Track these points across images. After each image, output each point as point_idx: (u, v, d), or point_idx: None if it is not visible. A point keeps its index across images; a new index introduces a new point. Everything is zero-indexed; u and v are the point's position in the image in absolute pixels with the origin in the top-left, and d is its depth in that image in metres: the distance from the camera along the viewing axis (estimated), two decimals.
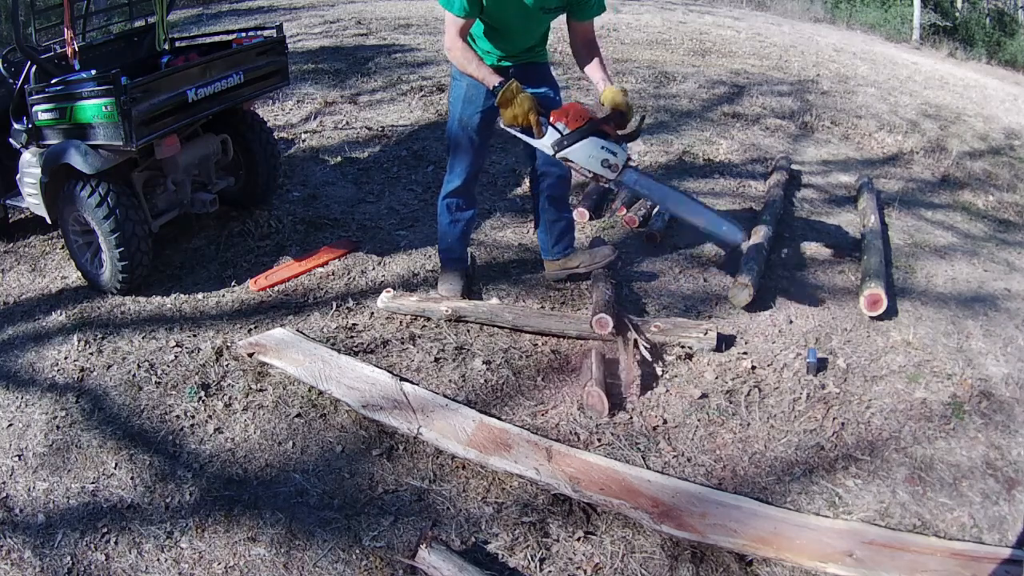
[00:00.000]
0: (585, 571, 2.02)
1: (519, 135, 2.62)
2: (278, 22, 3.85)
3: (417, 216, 4.05)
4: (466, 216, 3.17)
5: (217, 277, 3.46)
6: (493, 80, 2.54)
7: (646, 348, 2.71)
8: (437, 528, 2.14)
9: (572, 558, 2.05)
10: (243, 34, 3.72)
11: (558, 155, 2.55)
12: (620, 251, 3.61)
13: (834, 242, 3.77)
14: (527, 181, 3.35)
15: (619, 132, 2.58)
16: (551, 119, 2.53)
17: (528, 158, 3.02)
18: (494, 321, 3.00)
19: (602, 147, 2.50)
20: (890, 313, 3.15)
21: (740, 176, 4.66)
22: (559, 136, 2.50)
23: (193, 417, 2.59)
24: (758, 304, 3.16)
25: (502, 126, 2.65)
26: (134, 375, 2.81)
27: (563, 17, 2.77)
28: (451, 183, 3.06)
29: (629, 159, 2.57)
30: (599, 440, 2.46)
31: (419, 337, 2.98)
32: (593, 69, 2.76)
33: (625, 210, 3.94)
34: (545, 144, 2.56)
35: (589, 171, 2.57)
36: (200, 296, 3.31)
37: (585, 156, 2.51)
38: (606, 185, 2.65)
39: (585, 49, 2.79)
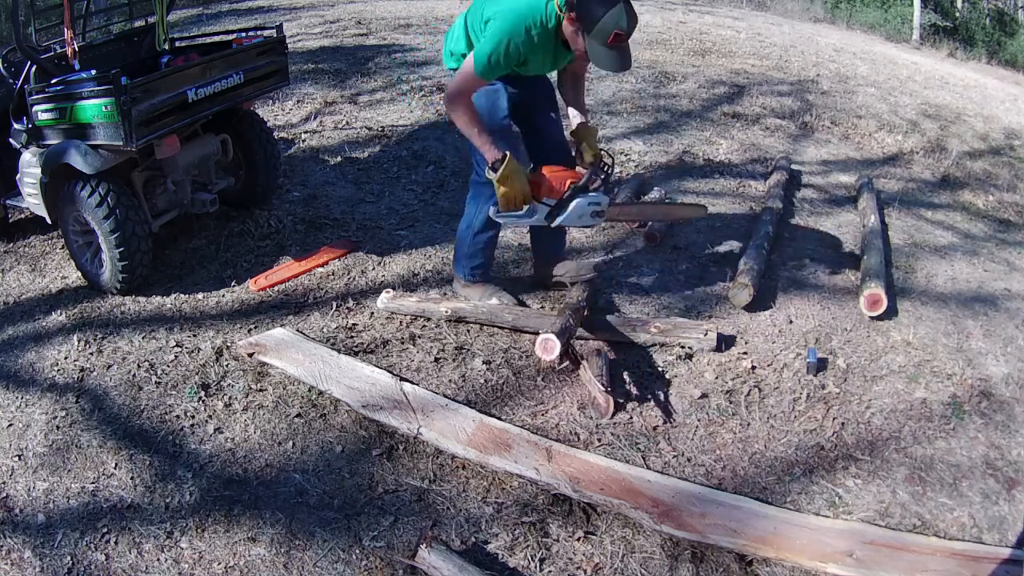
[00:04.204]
0: (585, 571, 2.02)
1: (510, 220, 2.69)
2: (278, 22, 3.85)
3: (417, 216, 4.05)
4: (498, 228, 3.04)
5: (217, 277, 3.46)
6: (494, 154, 2.54)
7: (601, 391, 2.57)
8: (437, 528, 2.14)
9: (572, 558, 2.05)
10: (243, 34, 3.72)
11: (553, 224, 2.68)
12: (617, 255, 3.61)
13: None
14: None
15: (598, 178, 2.71)
16: (541, 193, 2.63)
17: (525, 158, 3.03)
18: (494, 321, 3.00)
19: (589, 203, 2.64)
20: (890, 313, 3.15)
21: (740, 176, 4.66)
22: (548, 209, 2.64)
23: (193, 417, 2.59)
24: (758, 304, 3.16)
25: (491, 214, 2.71)
26: (134, 375, 2.81)
27: None
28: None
29: (613, 201, 2.82)
30: (599, 440, 2.46)
31: (419, 337, 2.98)
32: (572, 100, 2.93)
33: None
34: (539, 220, 2.67)
35: (584, 226, 2.75)
36: (200, 296, 3.31)
37: (576, 217, 2.65)
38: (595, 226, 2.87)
39: (571, 80, 2.94)
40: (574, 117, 2.91)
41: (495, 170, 2.51)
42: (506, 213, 2.62)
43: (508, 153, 2.52)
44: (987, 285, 3.50)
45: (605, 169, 2.78)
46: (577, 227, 2.83)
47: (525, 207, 2.61)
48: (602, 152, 2.81)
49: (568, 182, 2.63)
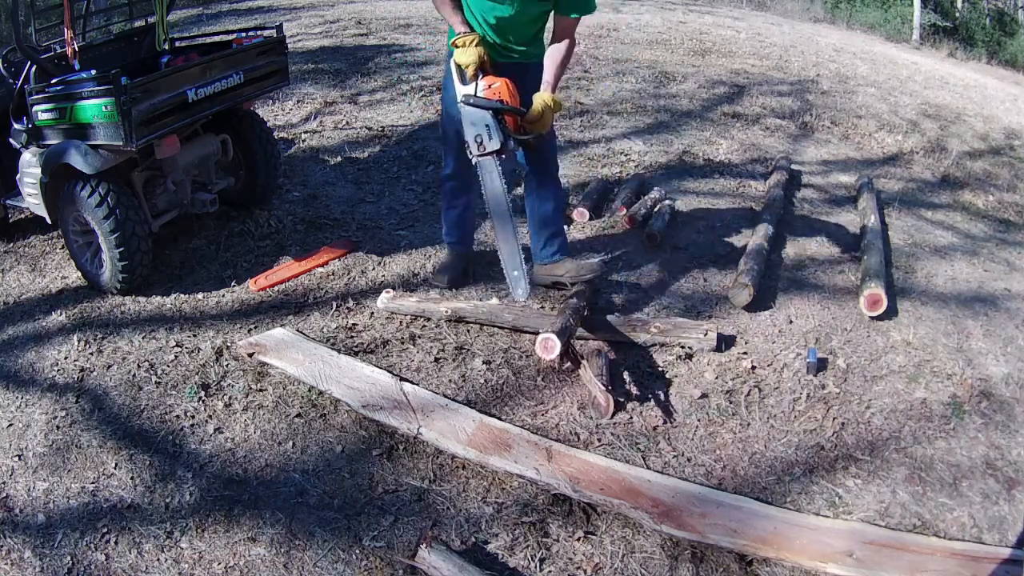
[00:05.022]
0: (585, 571, 2.02)
1: (454, 74, 2.75)
2: (278, 22, 3.85)
3: (417, 216, 4.05)
4: (461, 202, 3.23)
5: (217, 277, 3.46)
6: (460, 27, 2.69)
7: (601, 391, 2.57)
8: (437, 528, 2.14)
9: (572, 558, 2.05)
10: (243, 34, 3.72)
11: (459, 104, 2.67)
12: (617, 255, 3.61)
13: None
14: None
15: (518, 132, 2.64)
16: (482, 76, 2.65)
17: (520, 161, 3.04)
18: (494, 321, 3.00)
19: (486, 125, 2.59)
20: (890, 313, 3.15)
21: (740, 176, 4.66)
22: (471, 93, 2.63)
23: (193, 417, 2.59)
24: (758, 304, 3.16)
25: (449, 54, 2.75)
26: (134, 375, 2.81)
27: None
28: (445, 170, 3.19)
29: (501, 153, 2.65)
30: (599, 440, 2.46)
31: (419, 337, 2.98)
32: (548, 65, 2.79)
33: (625, 210, 3.94)
34: (460, 91, 2.69)
35: (465, 135, 2.68)
36: (200, 296, 3.31)
37: (469, 121, 2.62)
38: (471, 156, 2.70)
39: (557, 43, 2.80)
40: (544, 81, 2.75)
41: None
42: (455, 64, 2.71)
43: (473, 31, 2.67)
44: (987, 285, 3.50)
45: (530, 135, 2.64)
46: (463, 128, 2.67)
47: (468, 76, 2.67)
48: (540, 117, 2.63)
49: (506, 98, 2.58)
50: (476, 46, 2.63)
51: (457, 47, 2.66)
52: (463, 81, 2.68)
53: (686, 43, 8.65)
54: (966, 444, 2.49)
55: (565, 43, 2.78)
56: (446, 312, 3.03)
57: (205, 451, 2.45)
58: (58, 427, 2.56)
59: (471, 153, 2.67)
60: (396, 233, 3.86)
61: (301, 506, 2.23)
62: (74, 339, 3.01)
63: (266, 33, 3.63)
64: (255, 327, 3.08)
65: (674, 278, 3.40)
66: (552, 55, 2.79)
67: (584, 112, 5.74)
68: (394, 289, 3.21)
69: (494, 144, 2.61)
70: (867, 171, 4.89)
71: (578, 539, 2.10)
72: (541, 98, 2.65)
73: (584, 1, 2.73)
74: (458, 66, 2.68)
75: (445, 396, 2.60)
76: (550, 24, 2.84)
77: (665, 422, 2.54)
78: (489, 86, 2.61)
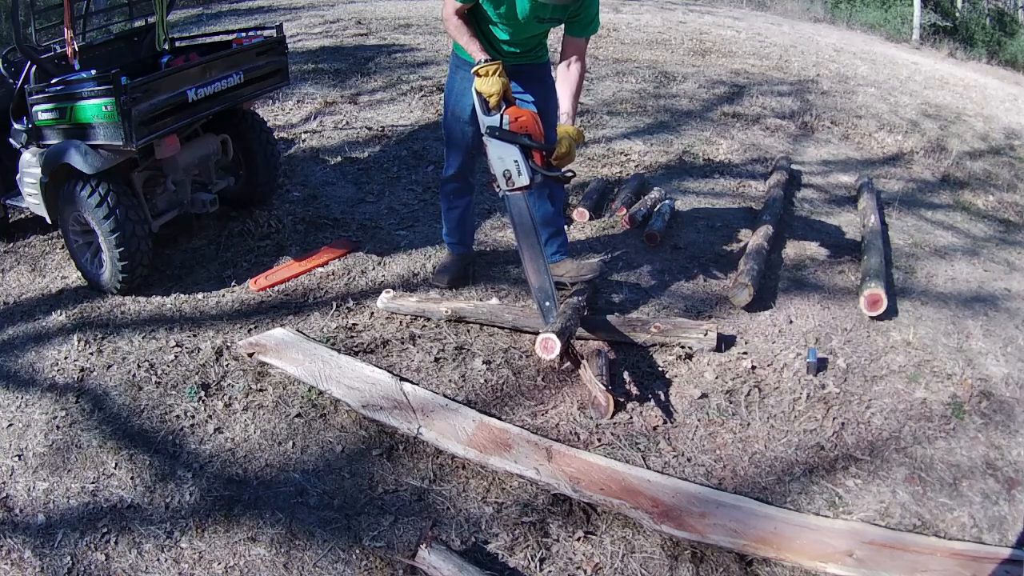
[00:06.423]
0: (585, 571, 2.02)
1: (476, 103, 2.68)
2: (278, 22, 3.85)
3: (417, 216, 4.05)
4: (462, 203, 3.23)
5: (217, 277, 3.46)
6: (480, 55, 2.62)
7: (601, 391, 2.57)
8: (437, 528, 2.14)
9: (572, 558, 2.05)
10: (243, 34, 3.72)
11: (484, 136, 2.64)
12: (617, 255, 3.61)
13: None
14: None
15: (546, 166, 2.61)
16: (506, 109, 2.59)
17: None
18: (494, 321, 3.00)
19: (515, 161, 2.56)
20: (890, 313, 3.15)
21: (740, 176, 4.66)
22: (496, 126, 2.59)
23: (193, 417, 2.59)
24: (758, 304, 3.16)
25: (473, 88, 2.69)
26: (134, 375, 2.81)
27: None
28: (447, 171, 3.15)
29: (530, 188, 2.64)
30: (599, 440, 2.46)
31: (419, 337, 2.98)
32: (564, 92, 2.76)
33: (625, 210, 3.94)
34: (484, 122, 2.64)
35: (491, 168, 2.65)
36: (200, 296, 3.31)
37: (496, 155, 2.59)
38: (498, 191, 2.70)
39: (568, 66, 2.78)
40: (561, 113, 2.76)
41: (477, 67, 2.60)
42: (477, 93, 2.63)
43: (495, 59, 2.60)
44: (987, 285, 3.50)
45: (558, 170, 2.62)
46: (489, 165, 2.65)
47: (491, 106, 2.60)
48: (571, 152, 2.62)
49: (531, 131, 2.54)
50: (499, 76, 2.56)
51: (479, 76, 2.59)
52: (486, 111, 2.61)
53: (686, 43, 8.65)
54: (966, 444, 2.49)
55: (577, 67, 2.76)
56: (446, 312, 3.03)
57: (205, 451, 2.45)
58: (58, 427, 2.56)
59: (499, 188, 2.66)
60: (396, 233, 3.86)
61: (301, 506, 2.23)
62: (74, 339, 3.01)
63: (266, 33, 3.63)
64: (255, 327, 3.08)
65: (674, 278, 3.40)
66: (567, 81, 2.76)
67: (584, 112, 5.74)
68: (394, 289, 3.22)
69: (523, 180, 2.59)
70: (867, 171, 4.89)
71: (578, 539, 2.10)
72: (565, 131, 2.61)
73: (596, 22, 2.74)
74: (479, 95, 2.61)
75: (445, 396, 2.60)
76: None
77: (665, 422, 2.54)
78: (515, 119, 2.56)
